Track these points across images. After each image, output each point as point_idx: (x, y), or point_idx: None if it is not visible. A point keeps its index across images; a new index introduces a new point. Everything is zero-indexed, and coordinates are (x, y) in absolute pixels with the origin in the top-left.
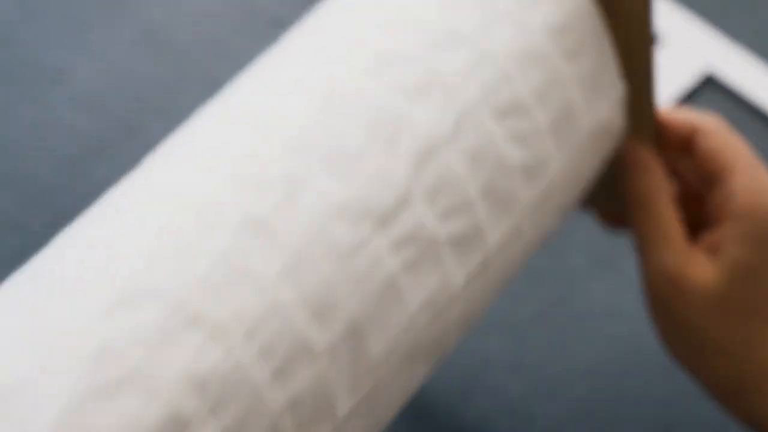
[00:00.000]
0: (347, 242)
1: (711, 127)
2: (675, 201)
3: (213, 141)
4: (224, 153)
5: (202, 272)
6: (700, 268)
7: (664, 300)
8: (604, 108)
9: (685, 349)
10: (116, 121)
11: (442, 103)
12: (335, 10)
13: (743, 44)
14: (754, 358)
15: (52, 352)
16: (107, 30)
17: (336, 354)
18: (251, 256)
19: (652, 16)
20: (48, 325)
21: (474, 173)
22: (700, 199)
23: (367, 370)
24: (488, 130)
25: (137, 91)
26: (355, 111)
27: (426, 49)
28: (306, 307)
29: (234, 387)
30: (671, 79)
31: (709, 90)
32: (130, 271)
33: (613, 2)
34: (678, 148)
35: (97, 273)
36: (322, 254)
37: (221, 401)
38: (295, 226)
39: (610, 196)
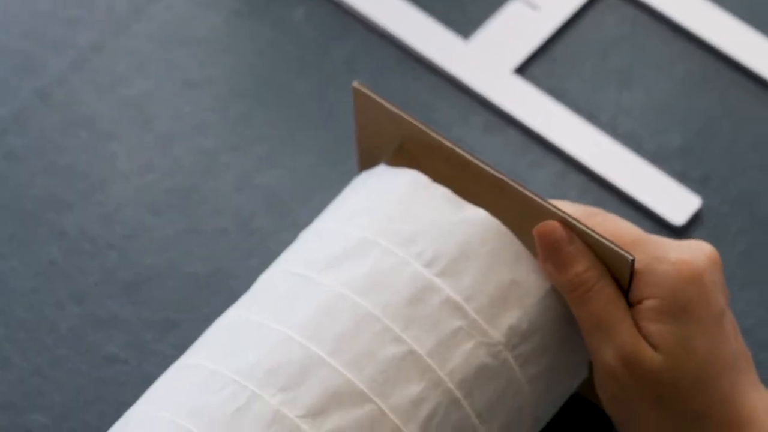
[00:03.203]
0: None
1: (589, 222)
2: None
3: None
4: None
5: None
6: (648, 350)
7: (625, 384)
8: (565, 385)
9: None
10: (13, 57)
11: None
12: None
13: None
14: (731, 410)
15: None
16: None
17: None
18: None
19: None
20: None
21: None
22: None
23: None
24: None
25: (34, 27)
26: None
27: (375, 388)
28: None
29: None
30: None
31: None
32: None
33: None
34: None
35: None
36: None
37: None
38: None
39: None
